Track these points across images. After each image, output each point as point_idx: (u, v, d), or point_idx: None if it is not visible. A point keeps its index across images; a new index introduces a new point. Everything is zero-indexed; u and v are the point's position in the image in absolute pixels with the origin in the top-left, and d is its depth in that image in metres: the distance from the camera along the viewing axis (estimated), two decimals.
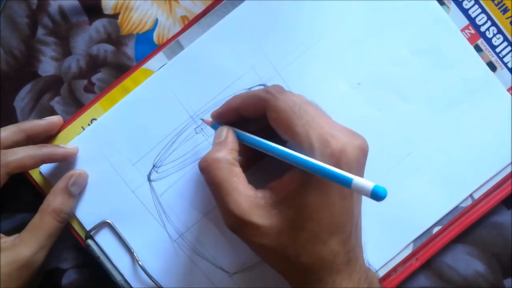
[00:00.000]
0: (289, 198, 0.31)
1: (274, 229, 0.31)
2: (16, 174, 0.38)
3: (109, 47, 0.43)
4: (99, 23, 0.43)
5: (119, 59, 0.43)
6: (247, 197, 0.32)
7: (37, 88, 0.43)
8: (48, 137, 0.41)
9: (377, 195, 0.26)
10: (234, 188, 0.32)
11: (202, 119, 0.41)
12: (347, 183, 0.28)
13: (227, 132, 0.35)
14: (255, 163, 0.39)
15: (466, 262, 0.43)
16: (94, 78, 0.43)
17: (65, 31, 0.43)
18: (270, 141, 0.33)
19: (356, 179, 0.28)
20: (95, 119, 0.41)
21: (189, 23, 0.41)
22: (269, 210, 0.32)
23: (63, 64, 0.43)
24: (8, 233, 0.39)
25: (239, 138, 0.35)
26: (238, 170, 0.33)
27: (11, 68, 0.43)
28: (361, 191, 0.27)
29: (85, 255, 0.42)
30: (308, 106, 0.33)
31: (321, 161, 0.30)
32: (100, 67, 0.43)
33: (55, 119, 0.41)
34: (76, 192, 0.40)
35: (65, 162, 0.41)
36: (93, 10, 0.42)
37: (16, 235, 0.38)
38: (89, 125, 0.41)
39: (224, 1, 0.41)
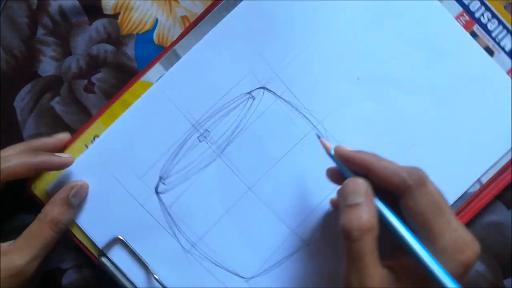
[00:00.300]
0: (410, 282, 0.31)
1: None
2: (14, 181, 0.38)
3: (109, 47, 0.43)
4: (99, 23, 0.42)
5: (119, 59, 0.43)
6: (380, 275, 0.31)
7: (37, 88, 0.43)
8: None
9: None
10: (373, 264, 0.31)
11: (320, 137, 0.38)
12: None
13: (366, 191, 0.32)
14: None
15: None
16: (94, 78, 0.43)
17: (65, 31, 0.43)
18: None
19: None
20: (98, 136, 0.41)
21: (184, 31, 0.41)
22: None
23: (63, 64, 0.43)
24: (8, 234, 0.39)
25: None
26: (377, 243, 0.31)
27: (11, 68, 0.42)
28: None
29: (85, 255, 0.42)
30: (445, 205, 0.32)
31: (453, 267, 0.30)
32: (100, 67, 0.43)
33: (64, 136, 0.40)
34: (75, 203, 0.39)
35: (68, 177, 0.40)
36: (93, 10, 0.42)
37: (11, 241, 0.38)
38: (92, 142, 0.41)
39: (217, 7, 0.40)
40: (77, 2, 0.42)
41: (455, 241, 0.31)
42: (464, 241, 0.31)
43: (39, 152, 0.39)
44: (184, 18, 0.42)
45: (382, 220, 0.32)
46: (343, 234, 0.31)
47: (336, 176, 0.37)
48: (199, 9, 0.42)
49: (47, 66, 0.43)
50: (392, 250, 0.33)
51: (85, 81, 0.43)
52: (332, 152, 0.36)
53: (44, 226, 0.38)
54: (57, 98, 0.43)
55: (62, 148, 0.41)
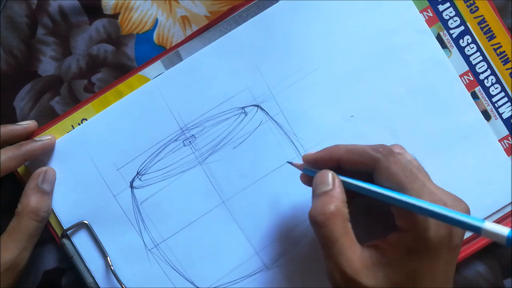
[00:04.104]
0: (398, 262, 0.31)
1: None
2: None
3: (109, 47, 0.43)
4: (99, 23, 0.43)
5: (119, 59, 0.43)
6: (357, 256, 0.31)
7: (37, 88, 0.43)
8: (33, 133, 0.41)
9: None
10: (348, 246, 0.31)
11: (290, 163, 0.39)
12: (477, 228, 0.27)
13: (333, 179, 0.33)
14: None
15: (466, 262, 0.43)
16: (94, 78, 0.43)
17: (65, 31, 0.43)
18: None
19: (488, 224, 0.26)
20: (86, 120, 0.41)
21: (191, 35, 0.41)
22: (376, 271, 0.31)
23: (63, 64, 0.43)
24: None
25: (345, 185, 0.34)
26: (350, 226, 0.32)
27: (11, 68, 0.43)
28: (494, 236, 0.26)
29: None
30: (420, 171, 0.32)
31: (435, 229, 0.30)
32: (100, 67, 0.43)
33: (31, 124, 0.41)
34: (48, 189, 0.40)
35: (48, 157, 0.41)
36: (93, 10, 0.42)
37: None
38: (79, 124, 0.41)
39: (228, 18, 0.41)
40: (77, 2, 0.42)
41: (432, 202, 0.30)
42: (442, 201, 0.31)
43: (21, 143, 0.39)
44: (184, 18, 0.43)
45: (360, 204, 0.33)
46: (311, 223, 0.32)
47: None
48: (199, 9, 0.42)
49: (47, 66, 0.43)
50: (378, 231, 0.33)
51: (85, 81, 0.43)
52: (304, 165, 0.36)
53: (25, 218, 0.38)
54: (57, 98, 0.43)
55: (30, 136, 0.41)
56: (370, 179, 0.33)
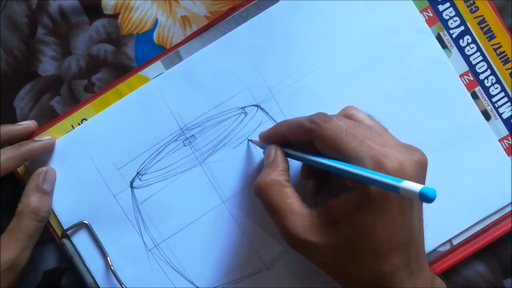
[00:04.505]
0: (347, 217, 0.31)
1: (332, 247, 0.32)
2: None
3: (109, 47, 0.43)
4: (99, 23, 0.43)
5: (119, 59, 0.43)
6: (302, 217, 0.33)
7: (37, 88, 0.43)
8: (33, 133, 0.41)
9: (426, 197, 0.25)
10: (288, 210, 0.33)
11: (250, 140, 0.41)
12: (395, 188, 0.27)
13: (275, 152, 0.36)
14: (325, 185, 0.39)
15: (466, 263, 0.43)
16: (94, 78, 0.43)
17: (65, 31, 0.43)
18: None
19: (404, 183, 0.27)
20: (86, 120, 0.41)
21: (191, 35, 0.41)
22: (325, 228, 0.32)
23: (63, 64, 0.43)
24: None
25: (290, 157, 0.36)
26: (289, 191, 0.34)
27: (11, 68, 0.43)
28: (409, 194, 0.26)
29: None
30: (357, 129, 0.32)
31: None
32: (100, 67, 0.43)
33: (31, 124, 0.41)
34: (49, 189, 0.40)
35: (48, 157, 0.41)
36: (93, 10, 0.42)
37: None
38: (79, 124, 0.41)
39: (228, 18, 0.41)
40: (77, 2, 0.42)
41: (370, 157, 0.30)
42: (382, 154, 0.30)
43: (21, 143, 0.39)
44: (184, 18, 0.43)
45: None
46: (254, 194, 0.35)
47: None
48: (199, 9, 0.42)
49: (47, 66, 0.43)
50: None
51: (85, 81, 0.43)
52: (258, 139, 0.40)
53: (25, 218, 0.38)
54: (57, 98, 0.43)
55: (30, 136, 0.41)
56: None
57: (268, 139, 0.38)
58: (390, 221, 0.31)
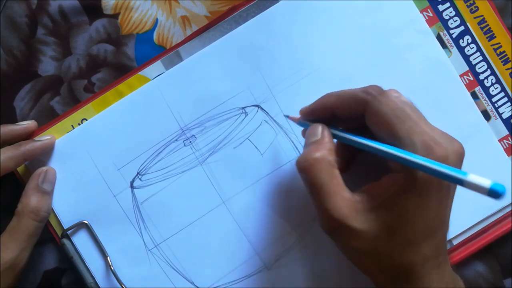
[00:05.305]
0: (389, 203, 0.31)
1: (371, 234, 0.31)
2: None
3: (109, 47, 0.43)
4: (99, 23, 0.43)
5: (119, 59, 0.43)
6: (346, 201, 0.31)
7: (37, 88, 0.43)
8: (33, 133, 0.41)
9: (496, 192, 0.25)
10: (334, 191, 0.31)
11: (287, 116, 0.40)
12: (459, 180, 0.27)
13: (322, 131, 0.34)
14: (350, 165, 0.37)
15: (466, 262, 0.43)
16: (94, 78, 0.43)
17: (65, 31, 0.43)
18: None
19: (472, 176, 0.26)
20: (86, 120, 0.41)
21: (191, 35, 0.41)
22: (367, 214, 0.31)
23: (63, 64, 0.43)
24: None
25: (335, 137, 0.34)
26: (337, 172, 0.32)
27: (11, 68, 0.43)
28: (477, 188, 0.26)
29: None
30: (410, 110, 0.32)
31: None
32: (100, 67, 0.43)
33: (31, 125, 0.41)
34: (49, 189, 0.40)
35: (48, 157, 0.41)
36: (93, 10, 0.42)
37: None
38: (79, 124, 0.41)
39: (228, 18, 0.41)
40: (77, 2, 0.42)
41: (423, 142, 0.30)
42: (433, 140, 0.30)
43: (20, 143, 0.39)
44: (184, 18, 0.43)
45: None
46: (298, 170, 0.33)
47: None
48: (199, 9, 0.42)
49: (47, 66, 0.43)
50: (376, 176, 0.33)
51: (85, 81, 0.43)
52: (301, 118, 0.37)
53: (25, 218, 0.38)
54: (57, 98, 0.43)
55: (30, 136, 0.41)
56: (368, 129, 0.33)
57: (314, 113, 0.36)
58: (429, 208, 0.30)
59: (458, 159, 0.31)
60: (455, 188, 0.32)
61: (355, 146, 0.33)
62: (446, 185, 0.31)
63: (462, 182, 0.27)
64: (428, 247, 0.31)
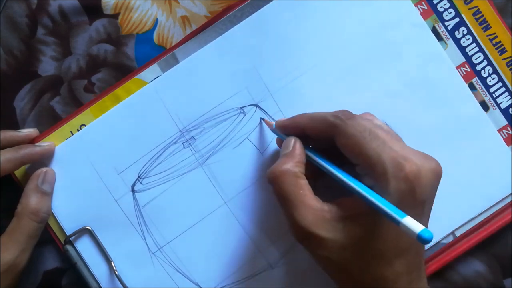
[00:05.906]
0: (358, 215, 0.31)
1: (338, 243, 0.31)
2: None
3: (109, 47, 0.43)
4: (99, 23, 0.43)
5: (119, 59, 0.43)
6: (313, 210, 0.32)
7: (37, 88, 0.43)
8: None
9: (423, 239, 0.26)
10: (300, 201, 0.32)
11: (263, 119, 0.41)
12: (396, 221, 0.28)
13: (294, 144, 0.35)
14: (322, 175, 0.38)
15: (466, 262, 0.43)
16: (94, 78, 0.43)
17: (65, 31, 0.43)
18: (334, 162, 0.34)
19: (406, 219, 0.27)
20: (85, 125, 0.41)
21: (186, 37, 0.41)
22: (334, 224, 0.32)
23: (63, 64, 0.43)
24: None
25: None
26: (304, 182, 0.33)
27: (11, 68, 0.43)
28: (408, 231, 0.27)
29: None
30: (379, 130, 0.32)
31: (395, 185, 0.30)
32: (100, 67, 0.43)
33: (32, 132, 0.41)
34: (48, 190, 0.40)
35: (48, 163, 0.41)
36: (93, 10, 0.42)
37: None
38: (78, 130, 0.41)
39: (223, 18, 0.41)
40: (77, 2, 0.42)
41: (392, 159, 0.30)
42: (403, 157, 0.31)
43: (20, 146, 0.39)
44: (184, 18, 0.42)
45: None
46: (268, 181, 0.34)
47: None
48: (199, 9, 0.42)
49: (47, 66, 0.43)
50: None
51: (85, 81, 0.43)
52: (274, 126, 0.39)
53: (25, 219, 0.38)
54: (57, 98, 0.43)
55: (30, 143, 0.41)
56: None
57: (286, 129, 0.37)
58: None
59: (433, 177, 0.31)
60: (430, 207, 0.33)
61: (321, 169, 0.34)
62: (421, 200, 0.31)
63: (398, 223, 0.28)
64: (400, 264, 0.31)
